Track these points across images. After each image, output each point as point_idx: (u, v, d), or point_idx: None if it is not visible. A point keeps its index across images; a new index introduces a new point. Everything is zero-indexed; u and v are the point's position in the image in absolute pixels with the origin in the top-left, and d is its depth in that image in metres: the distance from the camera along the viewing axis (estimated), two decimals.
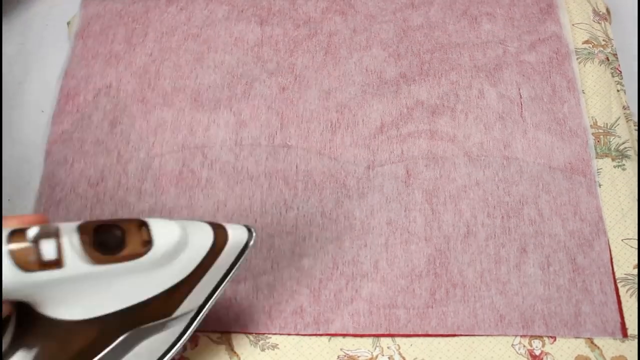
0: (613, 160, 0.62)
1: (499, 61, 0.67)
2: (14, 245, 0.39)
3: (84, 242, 0.41)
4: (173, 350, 0.47)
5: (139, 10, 0.72)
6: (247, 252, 0.48)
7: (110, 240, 0.42)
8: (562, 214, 0.58)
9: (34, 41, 0.77)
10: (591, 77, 0.66)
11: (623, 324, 0.54)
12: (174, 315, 0.46)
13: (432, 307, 0.55)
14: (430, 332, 0.54)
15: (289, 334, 0.54)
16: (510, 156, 0.61)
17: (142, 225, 0.43)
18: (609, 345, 0.53)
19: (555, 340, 0.54)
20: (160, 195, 0.60)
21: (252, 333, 0.55)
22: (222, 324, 0.55)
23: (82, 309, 0.42)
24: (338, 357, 0.54)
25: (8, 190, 0.66)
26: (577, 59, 0.68)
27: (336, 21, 0.70)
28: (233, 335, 0.55)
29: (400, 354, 0.54)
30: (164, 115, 0.64)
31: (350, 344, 0.54)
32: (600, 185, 0.60)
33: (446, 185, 0.60)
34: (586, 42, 0.69)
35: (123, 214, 0.60)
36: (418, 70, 0.66)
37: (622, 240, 0.57)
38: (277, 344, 0.54)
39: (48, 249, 0.39)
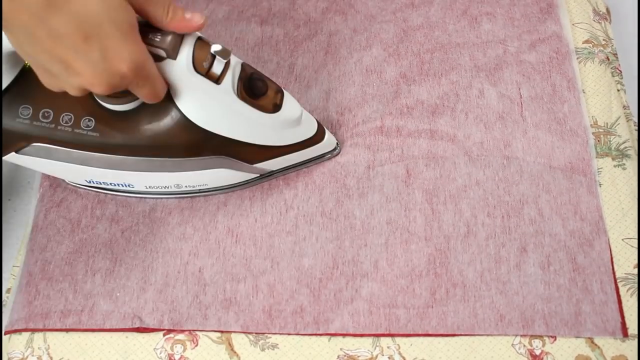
0: (613, 159, 0.61)
1: (499, 61, 0.67)
2: (198, 50, 0.48)
3: (240, 78, 0.51)
4: (240, 187, 0.60)
5: None
6: (327, 156, 0.61)
7: (255, 88, 0.52)
8: (563, 214, 0.58)
9: None
10: (591, 77, 0.66)
11: (623, 323, 0.54)
12: (253, 165, 0.57)
13: (432, 307, 0.55)
14: (430, 332, 0.54)
15: (289, 334, 0.54)
16: (511, 156, 0.61)
17: (280, 92, 0.54)
18: (610, 345, 0.53)
19: (555, 339, 0.54)
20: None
21: (252, 333, 0.55)
22: (222, 324, 0.55)
23: (204, 118, 0.51)
24: (338, 356, 0.54)
25: (8, 190, 0.66)
26: (577, 58, 0.67)
27: (336, 21, 0.70)
28: (233, 335, 0.55)
29: (400, 353, 0.54)
30: None
31: (350, 344, 0.54)
32: (600, 185, 0.60)
33: (446, 184, 0.60)
34: (586, 41, 0.69)
35: (124, 214, 0.60)
36: (418, 70, 0.66)
37: (622, 239, 0.57)
38: (277, 344, 0.54)
39: (218, 66, 0.49)
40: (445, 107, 0.64)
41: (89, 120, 0.51)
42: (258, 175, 0.59)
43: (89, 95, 0.49)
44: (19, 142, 0.52)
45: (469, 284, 0.56)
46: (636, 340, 0.53)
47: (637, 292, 0.55)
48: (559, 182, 0.60)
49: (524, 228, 0.58)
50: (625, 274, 0.56)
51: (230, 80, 0.50)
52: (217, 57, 0.49)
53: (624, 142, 0.62)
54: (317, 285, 0.56)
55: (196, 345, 0.55)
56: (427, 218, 0.58)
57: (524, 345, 0.53)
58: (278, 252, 0.58)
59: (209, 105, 0.51)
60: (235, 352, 0.54)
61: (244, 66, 0.52)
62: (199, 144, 0.52)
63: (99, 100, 0.51)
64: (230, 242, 0.58)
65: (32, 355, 0.54)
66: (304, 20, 0.71)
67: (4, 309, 0.57)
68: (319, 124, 0.58)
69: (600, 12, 0.71)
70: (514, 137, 0.62)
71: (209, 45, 0.49)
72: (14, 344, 0.55)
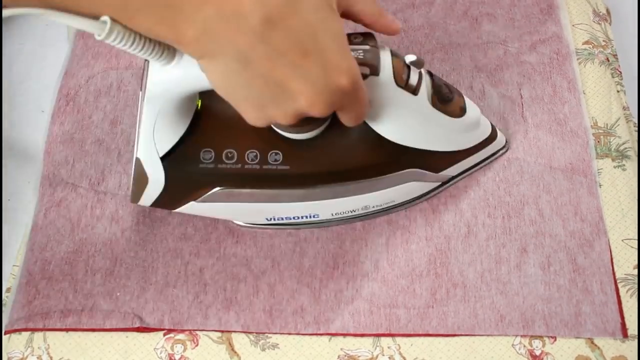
0: (613, 160, 0.62)
1: (500, 62, 0.67)
2: (396, 62, 0.46)
3: (432, 85, 0.50)
4: (422, 199, 0.58)
5: None
6: (499, 153, 0.60)
7: (443, 94, 0.51)
8: (563, 214, 0.58)
9: (34, 41, 0.77)
10: (591, 78, 0.66)
11: (623, 324, 0.54)
12: (438, 173, 0.56)
13: (432, 307, 0.55)
14: (430, 332, 0.54)
15: (289, 334, 0.54)
16: (511, 156, 0.61)
17: (460, 95, 0.53)
18: (609, 346, 0.53)
19: (555, 340, 0.54)
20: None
21: (253, 332, 0.55)
22: (223, 324, 0.55)
23: (398, 132, 0.50)
24: (338, 356, 0.54)
25: (8, 190, 0.66)
26: (577, 59, 0.68)
27: None
28: (233, 335, 0.55)
29: (400, 353, 0.54)
30: None
31: (351, 344, 0.54)
32: (600, 186, 0.60)
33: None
34: (586, 42, 0.69)
35: (124, 214, 0.60)
36: None
37: (622, 240, 0.57)
38: (278, 344, 0.54)
39: (413, 77, 0.48)
40: None
41: (276, 153, 0.49)
42: (439, 183, 0.58)
43: (269, 129, 0.48)
44: (204, 188, 0.50)
45: (470, 284, 0.56)
46: (636, 340, 0.53)
47: (637, 293, 0.55)
48: (559, 182, 0.60)
49: (525, 229, 0.58)
50: (625, 274, 0.56)
51: (425, 89, 0.49)
52: (411, 67, 0.48)
53: (623, 143, 0.63)
54: (318, 285, 0.56)
55: (196, 345, 0.54)
56: (428, 218, 0.58)
57: (524, 346, 0.53)
58: (279, 252, 0.58)
59: (405, 118, 0.49)
60: (235, 352, 0.54)
61: (429, 73, 0.51)
62: (392, 161, 0.52)
63: (280, 132, 0.49)
64: (230, 242, 0.58)
65: (32, 355, 0.54)
66: None
67: (3, 309, 0.57)
68: (490, 122, 0.58)
69: (600, 13, 0.71)
70: (514, 137, 0.62)
71: (401, 55, 0.48)
72: (14, 343, 0.55)
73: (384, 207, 0.56)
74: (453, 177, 0.58)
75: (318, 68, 0.38)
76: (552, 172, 0.60)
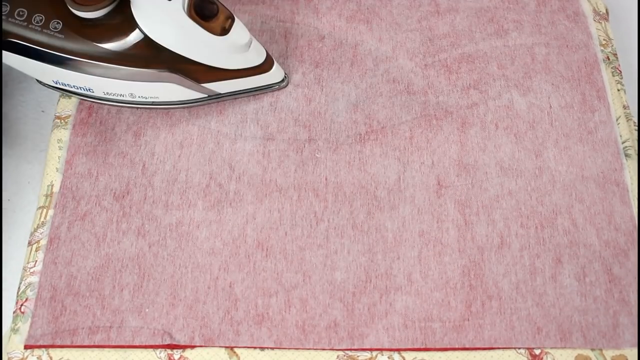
0: None
1: (528, 69, 0.66)
2: None
3: None
4: (187, 104, 0.64)
5: None
6: (275, 87, 0.65)
7: (206, 10, 0.57)
8: (597, 224, 0.58)
9: None
10: None
11: None
12: (201, 85, 0.61)
13: (468, 320, 0.54)
14: (467, 346, 0.53)
15: (323, 349, 0.54)
16: (542, 166, 0.60)
17: (231, 18, 0.58)
18: None
19: None
20: (187, 208, 0.59)
21: (286, 348, 0.54)
22: (255, 340, 0.54)
23: (156, 32, 0.56)
24: (338, 357, 0.53)
25: (8, 190, 0.65)
26: None
27: (361, 30, 0.69)
28: None
29: (400, 353, 0.53)
30: (189, 128, 0.63)
31: None
32: None
33: (478, 195, 0.59)
34: None
35: (150, 228, 0.59)
36: (446, 80, 0.66)
37: None
38: None
39: None
40: (475, 117, 0.63)
41: (57, 22, 0.57)
42: (206, 95, 0.63)
43: (62, 2, 0.55)
44: (4, 35, 0.57)
45: (505, 296, 0.55)
46: None
47: None
48: (591, 191, 0.59)
49: (558, 239, 0.57)
50: None
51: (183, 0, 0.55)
52: None
53: (624, 142, 0.62)
54: (351, 300, 0.55)
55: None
56: (460, 229, 0.58)
57: None
58: (309, 266, 0.57)
59: (161, 19, 0.56)
60: (235, 352, 0.54)
61: None
62: (149, 56, 0.57)
63: (70, 7, 0.56)
64: (260, 257, 0.57)
65: (32, 355, 0.54)
66: (328, 30, 0.70)
67: (22, 318, 0.56)
68: (268, 54, 0.62)
69: (600, 12, 0.71)
70: (545, 147, 0.61)
71: None
72: (14, 343, 0.54)
73: (150, 100, 0.62)
74: (221, 95, 0.63)
75: None
76: (584, 181, 0.60)
